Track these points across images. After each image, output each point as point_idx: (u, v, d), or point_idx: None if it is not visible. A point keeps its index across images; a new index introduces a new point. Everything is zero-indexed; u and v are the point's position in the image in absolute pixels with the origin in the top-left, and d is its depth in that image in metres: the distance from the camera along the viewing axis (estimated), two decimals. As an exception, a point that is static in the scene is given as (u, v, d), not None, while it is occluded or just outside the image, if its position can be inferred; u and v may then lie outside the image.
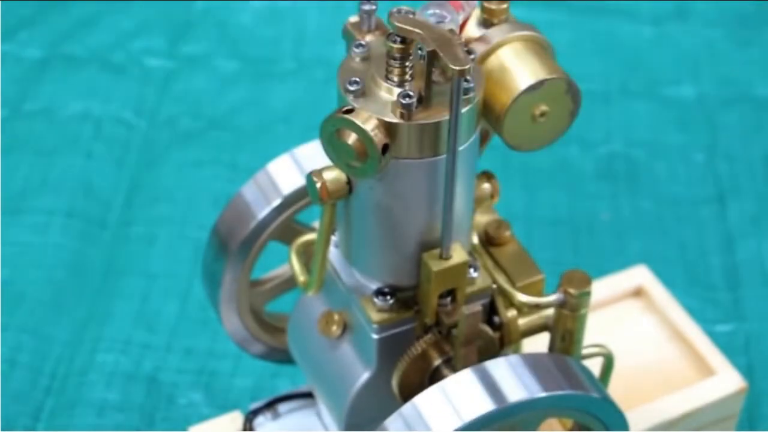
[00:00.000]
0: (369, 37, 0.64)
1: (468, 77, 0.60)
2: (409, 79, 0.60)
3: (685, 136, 1.19)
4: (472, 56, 0.62)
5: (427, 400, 0.61)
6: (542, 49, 0.64)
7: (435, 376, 0.68)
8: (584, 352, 0.72)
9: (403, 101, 0.59)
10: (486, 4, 0.63)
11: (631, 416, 0.71)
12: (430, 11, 0.62)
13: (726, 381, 0.82)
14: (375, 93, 0.61)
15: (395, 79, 0.60)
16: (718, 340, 0.90)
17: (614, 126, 1.20)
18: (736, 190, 1.13)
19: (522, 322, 0.70)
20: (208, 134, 1.18)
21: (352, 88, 0.61)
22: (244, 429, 0.80)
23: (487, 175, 0.69)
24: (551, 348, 0.71)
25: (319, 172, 0.63)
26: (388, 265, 0.66)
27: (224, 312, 0.78)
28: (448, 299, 0.67)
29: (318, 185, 0.63)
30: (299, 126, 1.19)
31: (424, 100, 0.60)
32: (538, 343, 0.74)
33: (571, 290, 0.68)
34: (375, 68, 0.61)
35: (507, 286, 0.70)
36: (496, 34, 0.63)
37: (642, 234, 1.09)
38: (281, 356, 0.82)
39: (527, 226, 1.09)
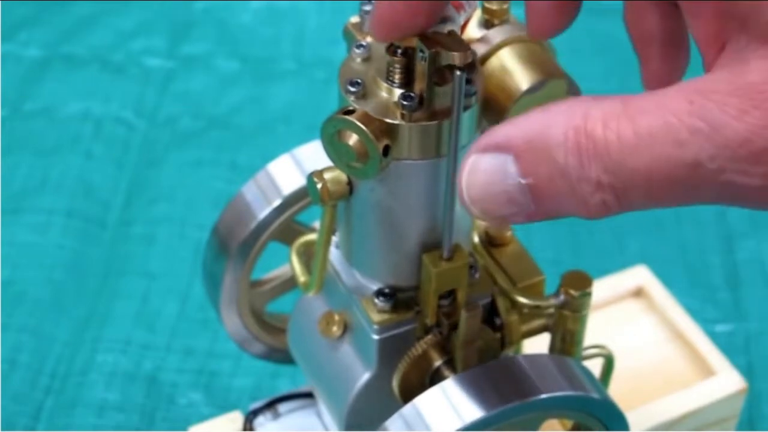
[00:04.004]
0: (370, 38, 0.63)
1: (470, 77, 0.59)
2: (410, 80, 0.60)
3: (685, 136, 1.19)
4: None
5: (427, 400, 0.61)
6: (543, 50, 0.64)
7: (435, 377, 0.67)
8: (585, 352, 0.72)
9: (405, 102, 0.59)
10: (487, 5, 0.63)
11: (631, 417, 0.71)
12: (431, 12, 0.61)
13: (726, 381, 0.82)
14: (376, 94, 0.61)
15: (396, 80, 0.60)
16: (718, 340, 0.90)
17: (614, 126, 1.19)
18: (736, 190, 1.13)
19: (523, 323, 0.70)
20: (208, 134, 1.18)
21: (353, 89, 0.60)
22: (244, 429, 0.79)
23: (488, 176, 0.69)
24: (552, 349, 0.71)
25: (319, 173, 0.63)
26: (389, 265, 0.66)
27: (224, 312, 0.78)
28: (449, 300, 0.66)
29: (319, 186, 0.63)
30: (299, 126, 1.19)
31: (425, 101, 0.60)
32: (539, 344, 0.74)
33: (572, 291, 0.68)
34: (376, 69, 0.61)
35: (508, 286, 0.69)
36: (496, 34, 0.63)
37: (642, 234, 1.09)
38: (281, 356, 0.82)
39: (527, 226, 1.08)
